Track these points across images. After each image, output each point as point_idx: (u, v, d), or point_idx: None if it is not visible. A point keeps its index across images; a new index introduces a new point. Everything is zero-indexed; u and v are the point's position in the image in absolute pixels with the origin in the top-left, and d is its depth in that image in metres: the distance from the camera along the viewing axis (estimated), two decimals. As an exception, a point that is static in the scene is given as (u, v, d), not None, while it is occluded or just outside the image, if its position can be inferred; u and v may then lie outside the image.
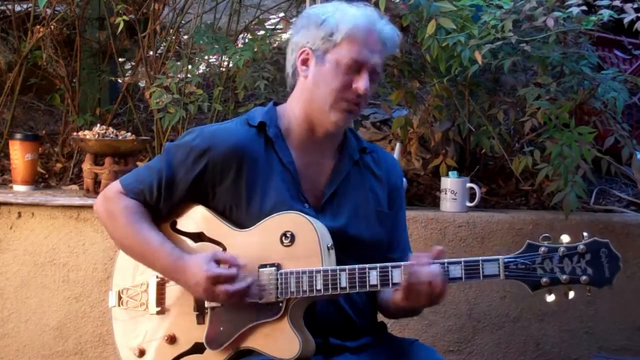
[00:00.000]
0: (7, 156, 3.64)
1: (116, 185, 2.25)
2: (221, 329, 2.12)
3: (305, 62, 2.19)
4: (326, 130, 2.20)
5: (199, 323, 2.16)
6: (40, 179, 3.63)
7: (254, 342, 2.11)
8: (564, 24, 2.99)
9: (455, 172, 3.21)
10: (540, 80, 3.14)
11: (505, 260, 1.99)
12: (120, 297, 2.28)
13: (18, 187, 3.42)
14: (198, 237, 2.21)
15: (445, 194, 3.18)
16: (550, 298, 1.97)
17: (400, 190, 2.38)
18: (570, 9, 2.93)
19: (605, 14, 2.92)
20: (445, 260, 2.03)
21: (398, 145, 3.25)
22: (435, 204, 3.31)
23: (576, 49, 3.21)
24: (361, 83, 2.13)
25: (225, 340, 2.12)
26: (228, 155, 2.16)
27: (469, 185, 3.19)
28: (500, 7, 2.99)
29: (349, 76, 2.13)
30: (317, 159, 2.24)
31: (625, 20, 2.89)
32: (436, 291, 2.03)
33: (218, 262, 2.09)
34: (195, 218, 2.21)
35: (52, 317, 3.23)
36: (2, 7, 4.18)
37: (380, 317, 2.36)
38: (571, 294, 1.96)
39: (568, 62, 3.13)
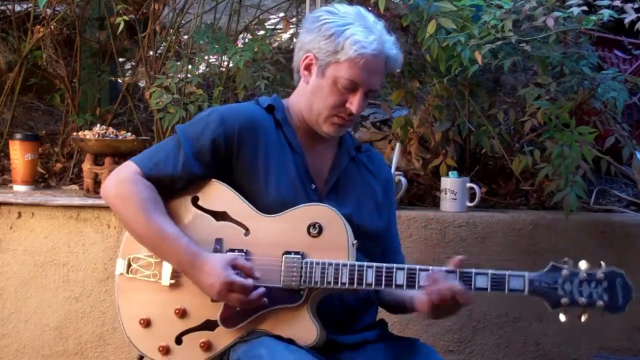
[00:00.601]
0: (7, 156, 3.64)
1: (130, 166, 2.20)
2: (238, 309, 2.12)
3: (308, 67, 2.23)
4: (321, 135, 2.27)
5: (213, 300, 2.15)
6: (40, 179, 3.63)
7: (270, 325, 2.13)
8: (564, 23, 2.99)
9: (455, 172, 3.21)
10: (540, 80, 3.14)
11: (531, 276, 2.08)
12: (130, 265, 2.23)
13: (18, 187, 3.42)
14: (221, 215, 2.19)
15: (445, 194, 3.17)
16: (563, 318, 2.07)
17: (391, 184, 2.47)
18: (570, 9, 2.93)
19: (605, 13, 2.91)
20: (473, 270, 2.09)
21: (398, 145, 3.25)
22: (435, 204, 3.31)
23: (576, 49, 3.21)
24: (355, 104, 2.19)
25: (241, 320, 2.13)
26: (243, 127, 2.19)
27: (469, 185, 3.19)
28: (500, 7, 2.99)
29: (344, 95, 2.19)
30: (319, 148, 2.30)
31: (626, 20, 2.89)
32: (459, 303, 2.09)
33: (235, 267, 2.10)
34: (219, 196, 2.20)
35: (52, 317, 3.22)
36: (2, 7, 4.18)
37: (380, 316, 2.37)
38: (584, 317, 2.06)
39: (568, 62, 3.13)
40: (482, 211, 3.20)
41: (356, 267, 2.10)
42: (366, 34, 2.16)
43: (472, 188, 3.19)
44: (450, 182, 3.16)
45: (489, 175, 3.51)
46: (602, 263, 2.08)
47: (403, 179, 3.17)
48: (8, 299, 3.24)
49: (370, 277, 2.09)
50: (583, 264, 2.08)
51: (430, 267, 2.10)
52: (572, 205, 3.00)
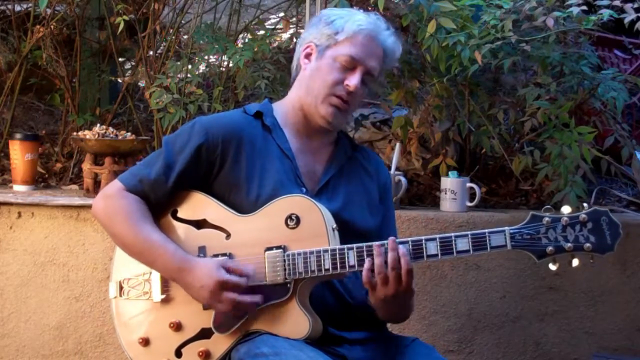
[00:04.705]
0: (7, 156, 3.64)
1: (116, 184, 2.27)
2: (228, 313, 2.14)
3: (308, 56, 2.30)
4: (317, 125, 2.28)
5: (205, 308, 2.17)
6: (40, 179, 3.63)
7: (262, 324, 2.14)
8: (564, 23, 2.99)
9: (455, 172, 3.21)
10: (540, 80, 3.14)
11: (511, 231, 2.07)
12: (121, 288, 2.29)
13: (18, 187, 3.42)
14: (201, 224, 2.22)
15: (445, 194, 3.17)
16: (554, 267, 2.04)
17: (389, 186, 2.48)
18: (570, 9, 2.92)
19: (605, 13, 2.91)
20: (452, 234, 2.08)
21: (398, 145, 3.25)
22: (435, 204, 3.31)
23: (576, 49, 3.21)
24: (352, 80, 2.22)
25: (234, 323, 2.14)
26: (227, 136, 2.22)
27: (469, 185, 3.19)
28: (500, 7, 2.99)
29: (343, 73, 2.23)
30: (314, 148, 2.32)
31: (626, 20, 2.89)
32: (404, 268, 2.05)
33: (228, 270, 2.12)
34: (196, 205, 2.23)
35: (52, 317, 3.23)
36: (2, 7, 4.18)
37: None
38: (575, 262, 2.04)
39: (568, 62, 3.14)
40: (482, 211, 3.20)
41: (337, 251, 2.11)
42: (366, 17, 2.28)
43: (472, 188, 3.19)
44: (450, 182, 3.16)
45: (489, 175, 3.51)
46: (585, 204, 2.05)
47: (403, 179, 3.17)
48: (8, 299, 3.24)
49: (352, 259, 2.10)
50: (566, 209, 2.04)
51: (410, 239, 2.09)
52: (572, 205, 2.99)
